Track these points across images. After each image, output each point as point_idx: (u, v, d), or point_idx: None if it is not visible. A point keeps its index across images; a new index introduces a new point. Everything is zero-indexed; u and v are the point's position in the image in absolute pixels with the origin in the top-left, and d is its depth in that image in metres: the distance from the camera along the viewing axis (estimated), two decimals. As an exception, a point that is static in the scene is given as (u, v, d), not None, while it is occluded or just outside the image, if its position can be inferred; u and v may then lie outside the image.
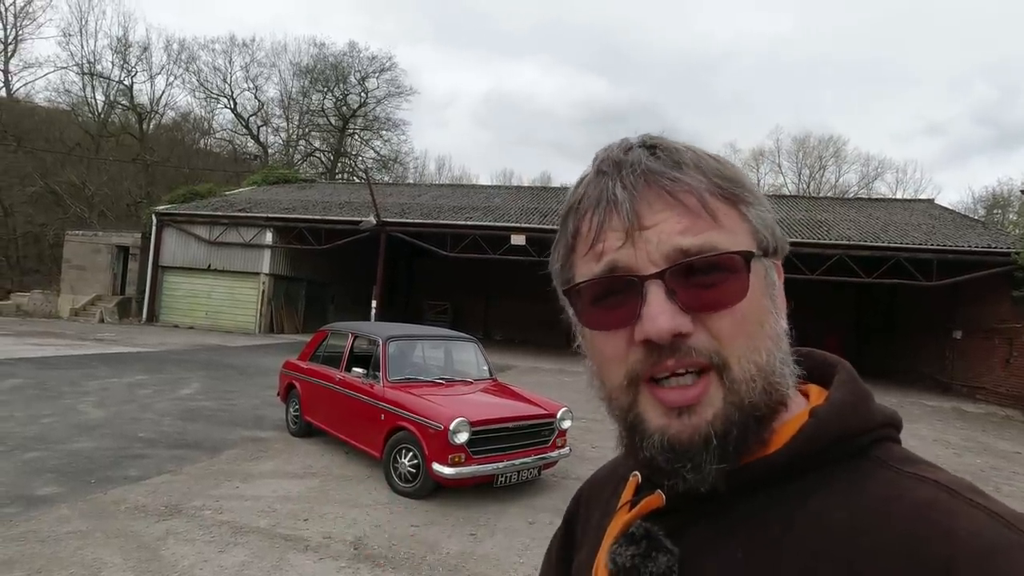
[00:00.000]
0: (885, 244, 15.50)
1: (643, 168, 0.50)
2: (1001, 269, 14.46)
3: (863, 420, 0.50)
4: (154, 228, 21.26)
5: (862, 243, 15.60)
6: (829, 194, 37.17)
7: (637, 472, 0.59)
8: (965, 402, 15.25)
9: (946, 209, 21.34)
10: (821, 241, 15.67)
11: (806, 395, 0.55)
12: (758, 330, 0.49)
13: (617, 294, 0.50)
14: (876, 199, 27.95)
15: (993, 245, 15.01)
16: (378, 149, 43.42)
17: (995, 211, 36.96)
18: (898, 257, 15.28)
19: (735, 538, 0.48)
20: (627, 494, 0.60)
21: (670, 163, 0.50)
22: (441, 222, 18.64)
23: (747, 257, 0.49)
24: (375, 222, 17.90)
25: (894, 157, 67.19)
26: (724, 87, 74.36)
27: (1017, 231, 18.33)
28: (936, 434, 10.43)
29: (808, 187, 43.57)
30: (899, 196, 37.61)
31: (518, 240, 17.04)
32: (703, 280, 0.48)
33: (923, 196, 34.08)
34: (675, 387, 0.48)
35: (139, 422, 7.09)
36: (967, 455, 8.80)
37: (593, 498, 0.71)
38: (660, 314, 0.47)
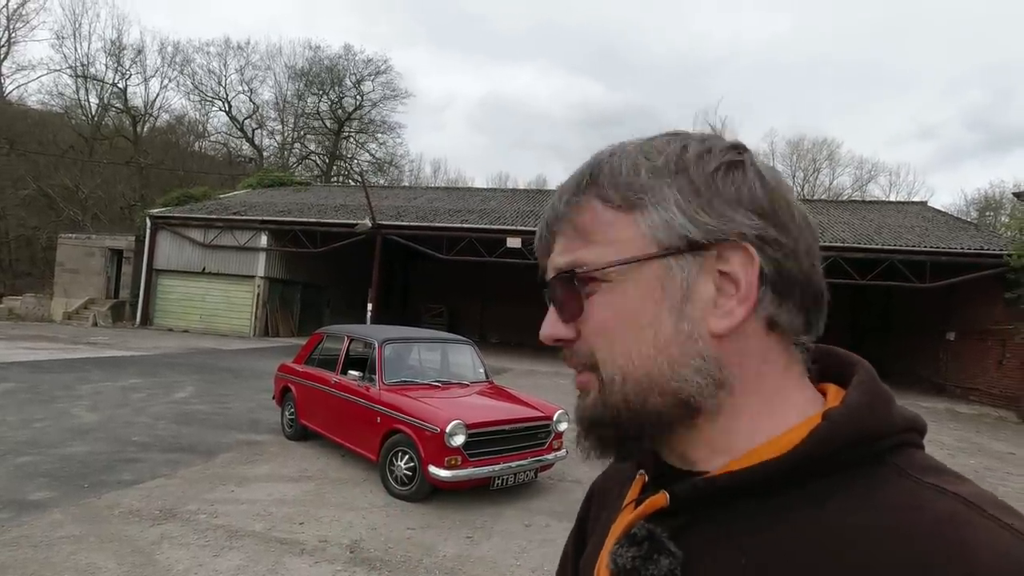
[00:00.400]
0: (879, 246, 15.59)
1: (560, 191, 0.57)
2: (994, 271, 14.55)
3: (880, 424, 0.48)
4: (148, 231, 21.17)
5: (856, 245, 15.68)
6: (823, 196, 37.37)
7: (644, 470, 0.59)
8: (959, 403, 15.33)
9: (939, 211, 21.48)
10: (815, 243, 15.73)
11: (824, 394, 0.54)
12: (627, 337, 0.51)
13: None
14: (870, 201, 28.11)
15: (986, 247, 15.10)
16: (373, 152, 43.47)
17: (987, 213, 37.26)
18: (892, 259, 15.37)
19: (740, 544, 0.47)
20: (632, 492, 0.59)
21: (576, 188, 0.55)
22: (437, 225, 18.63)
23: (603, 269, 0.52)
24: (371, 225, 17.87)
25: (887, 160, 68.14)
26: (720, 89, 74.69)
27: (1009, 233, 18.46)
28: (930, 435, 10.25)
29: (802, 189, 43.78)
30: (892, 199, 37.82)
31: (514, 243, 17.05)
32: (570, 293, 0.54)
33: (916, 199, 34.32)
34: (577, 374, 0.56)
35: (133, 426, 7.04)
36: (961, 456, 8.84)
37: (603, 495, 0.70)
38: (545, 322, 0.56)
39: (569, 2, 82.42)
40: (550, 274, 0.56)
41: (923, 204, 23.24)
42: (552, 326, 0.56)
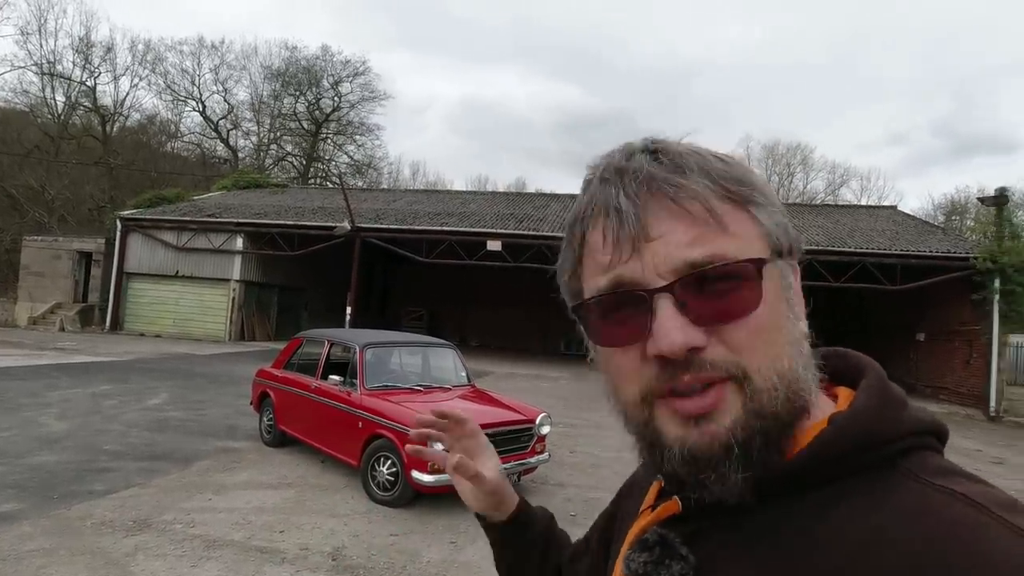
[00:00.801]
0: (852, 249, 15.95)
1: (645, 175, 0.48)
2: (961, 273, 15.01)
3: (890, 427, 0.48)
4: (119, 233, 20.65)
5: (830, 248, 16.03)
6: (797, 200, 38.08)
7: (660, 476, 0.58)
8: (929, 402, 15.75)
9: (908, 215, 22.08)
10: (790, 246, 16.03)
11: (835, 398, 0.54)
12: (777, 336, 0.47)
13: (626, 309, 0.48)
14: (842, 205, 28.79)
15: (953, 250, 15.57)
16: (352, 154, 43.05)
17: (954, 217, 38.43)
18: (864, 262, 15.74)
19: (751, 550, 0.47)
20: (649, 498, 0.59)
21: (673, 168, 0.48)
22: (416, 228, 18.53)
23: (759, 264, 0.47)
24: (350, 228, 17.70)
25: (859, 165, 69.58)
26: (695, 94, 75.87)
27: (975, 237, 19.08)
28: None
29: (778, 193, 44.17)
30: (864, 203, 38.82)
31: (494, 246, 17.04)
32: (714, 290, 0.46)
33: (886, 203, 35.20)
34: (691, 395, 0.46)
35: (105, 434, 6.84)
36: (932, 453, 9.08)
37: (628, 496, 0.70)
38: (672, 329, 0.45)
39: (547, 8, 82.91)
40: (669, 269, 0.46)
41: (893, 208, 23.85)
42: (685, 331, 0.45)
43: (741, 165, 0.51)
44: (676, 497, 0.52)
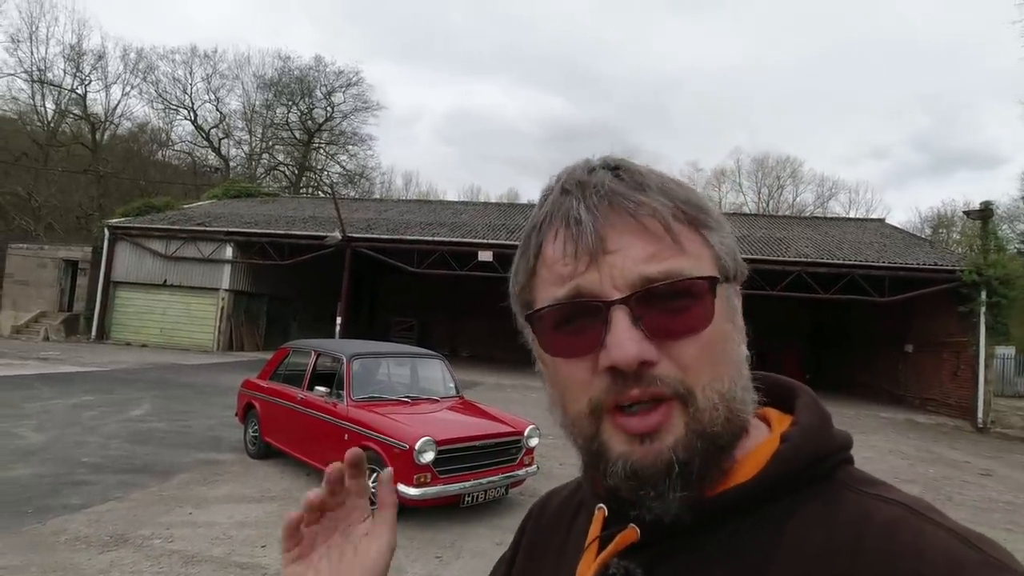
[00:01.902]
0: (841, 261, 16.07)
1: (607, 189, 0.49)
2: (948, 286, 15.15)
3: (829, 443, 0.51)
4: (106, 242, 20.42)
5: (819, 260, 16.14)
6: (787, 213, 38.47)
7: (603, 505, 0.55)
8: (917, 413, 15.82)
9: (896, 228, 22.32)
10: (780, 258, 16.15)
11: (765, 419, 0.55)
12: (722, 357, 0.49)
13: (580, 320, 0.48)
14: (831, 218, 29.06)
15: (940, 263, 15.73)
16: (344, 164, 43.00)
17: (940, 230, 38.91)
18: (853, 274, 15.85)
19: (714, 570, 0.48)
20: (595, 529, 0.56)
21: (634, 185, 0.49)
22: (408, 238, 18.47)
23: (712, 283, 0.48)
24: (340, 237, 17.61)
25: (846, 178, 70.31)
26: (683, 108, 76.69)
27: (961, 250, 19.30)
28: (891, 445, 10.75)
29: (767, 206, 45.05)
30: (852, 215, 39.24)
31: (485, 256, 17.01)
32: (669, 306, 0.47)
33: (874, 215, 35.63)
34: (637, 413, 0.47)
35: (83, 446, 6.69)
36: (920, 465, 9.09)
37: (547, 525, 0.67)
38: (627, 341, 0.46)
39: (534, 22, 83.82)
40: (625, 283, 0.47)
41: (881, 221, 24.12)
42: (640, 344, 0.46)
43: (695, 190, 0.53)
44: (633, 525, 0.51)
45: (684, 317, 0.47)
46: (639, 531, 0.51)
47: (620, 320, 0.46)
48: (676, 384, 0.46)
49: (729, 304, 0.51)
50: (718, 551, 0.48)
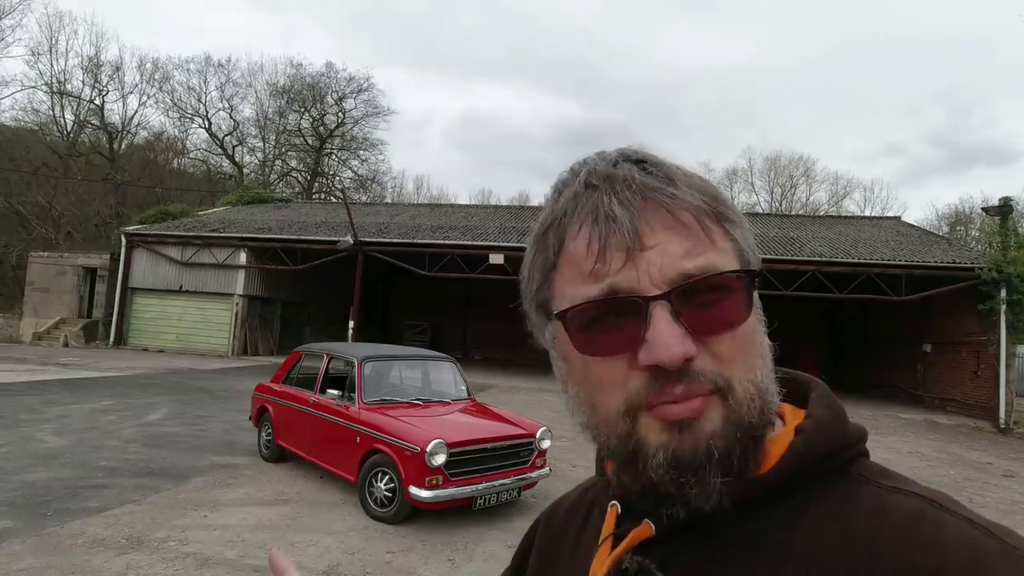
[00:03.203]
0: (856, 260, 15.85)
1: (639, 184, 0.48)
2: (966, 284, 14.88)
3: (844, 436, 0.51)
4: (123, 249, 20.75)
5: (834, 259, 15.93)
6: (801, 212, 38.00)
7: (616, 502, 0.55)
8: (937, 414, 15.55)
9: (912, 226, 21.98)
10: (795, 258, 15.97)
11: (779, 414, 0.54)
12: (754, 349, 0.49)
13: (616, 317, 0.47)
14: (846, 217, 28.70)
15: (958, 261, 15.45)
16: (356, 169, 43.33)
17: (958, 228, 38.22)
18: (869, 273, 15.63)
19: (730, 565, 0.47)
20: (608, 526, 0.55)
21: (664, 179, 0.48)
22: (419, 241, 18.55)
23: (750, 276, 0.49)
24: (352, 242, 17.73)
25: (861, 176, 69.39)
26: (691, 108, 76.27)
27: (980, 247, 18.97)
28: (910, 446, 10.57)
29: (780, 205, 44.58)
30: (867, 214, 38.70)
31: (496, 259, 17.03)
32: (707, 301, 0.46)
33: (890, 214, 35.10)
34: (677, 402, 0.46)
35: (101, 450, 6.79)
36: (941, 467, 8.93)
37: (557, 530, 0.66)
38: (671, 337, 0.45)
39: (544, 26, 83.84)
40: (663, 279, 0.46)
41: (897, 219, 23.78)
42: (684, 342, 0.45)
43: (712, 184, 0.52)
44: (648, 520, 0.50)
45: (722, 311, 0.47)
46: (654, 527, 0.50)
47: (661, 317, 0.45)
48: (716, 378, 0.46)
49: (754, 297, 0.51)
50: (734, 545, 0.47)
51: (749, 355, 0.48)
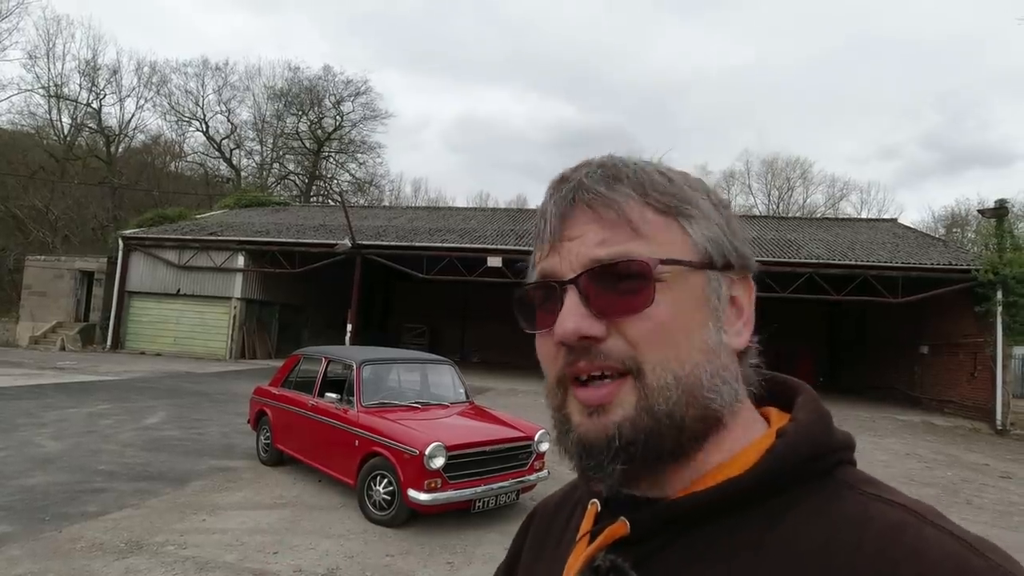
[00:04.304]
0: (853, 262, 15.90)
1: (575, 184, 0.53)
2: (963, 286, 14.93)
3: (828, 441, 0.51)
4: (121, 252, 20.70)
5: (831, 261, 15.97)
6: (798, 214, 38.13)
7: (596, 500, 0.56)
8: (934, 415, 15.58)
9: (909, 228, 22.05)
10: (792, 260, 16.01)
11: (766, 417, 0.56)
12: (681, 340, 0.50)
13: (547, 299, 0.52)
14: (843, 219, 28.79)
15: (954, 262, 15.50)
16: (353, 172, 43.27)
17: (954, 230, 38.34)
18: (866, 275, 15.67)
19: (705, 566, 0.47)
20: (587, 524, 0.57)
21: (603, 179, 0.52)
22: (417, 244, 18.55)
23: (656, 264, 0.50)
24: (350, 245, 17.73)
25: (857, 178, 69.59)
26: (689, 111, 76.45)
27: (976, 249, 19.03)
28: (907, 448, 10.59)
29: (778, 207, 44.69)
30: (864, 216, 38.83)
31: (495, 262, 17.03)
32: (616, 287, 0.49)
33: (887, 216, 35.22)
34: (589, 387, 0.50)
35: (99, 454, 6.78)
36: (938, 468, 8.95)
37: (544, 526, 0.68)
38: (567, 316, 0.49)
39: (541, 29, 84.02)
40: (579, 264, 0.51)
41: (893, 221, 23.85)
42: (579, 319, 0.49)
43: (685, 184, 0.54)
44: (623, 519, 0.51)
45: (629, 297, 0.49)
46: (629, 525, 0.51)
47: (569, 298, 0.50)
48: (626, 360, 0.49)
49: (708, 290, 0.52)
50: (710, 545, 0.48)
51: (669, 344, 0.49)
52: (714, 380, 0.50)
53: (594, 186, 0.52)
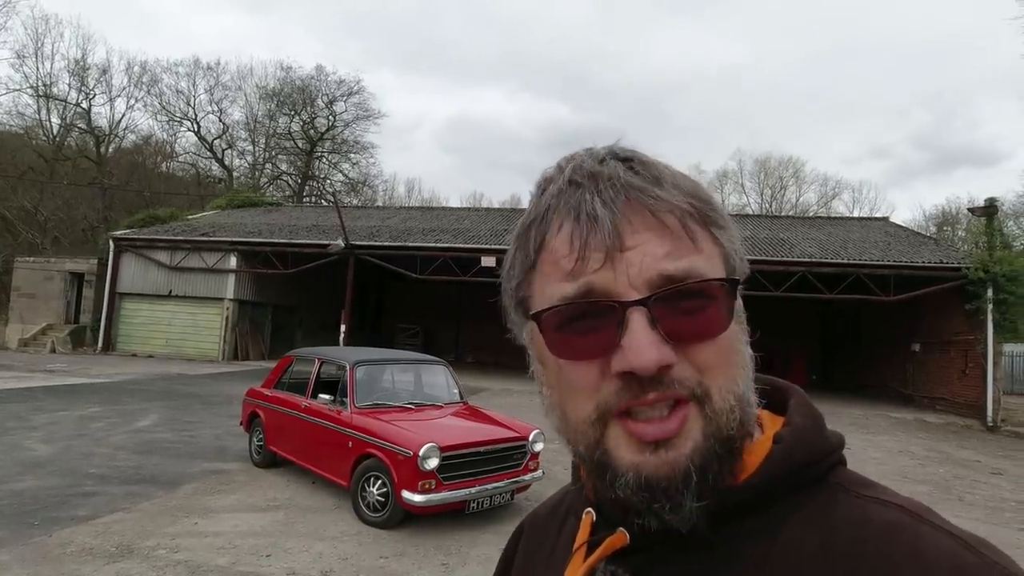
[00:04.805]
0: (845, 261, 15.99)
1: (623, 183, 0.46)
2: (954, 284, 15.05)
3: (823, 444, 0.50)
4: (111, 253, 20.54)
5: (824, 260, 16.05)
6: (790, 213, 38.33)
7: (591, 509, 0.54)
8: (927, 413, 15.69)
9: (900, 227, 22.18)
10: (785, 259, 16.08)
11: (758, 422, 0.53)
12: (736, 358, 0.47)
13: (591, 319, 0.45)
14: (835, 218, 28.93)
15: (945, 261, 15.62)
16: (346, 172, 43.16)
17: (945, 228, 38.67)
18: (858, 273, 15.76)
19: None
20: (583, 534, 0.55)
21: (650, 179, 0.47)
22: (411, 245, 18.50)
23: (732, 285, 0.47)
24: (344, 245, 17.66)
25: (849, 178, 70.08)
26: (683, 110, 76.69)
27: (966, 247, 19.19)
28: (900, 445, 10.66)
29: (770, 206, 44.93)
30: (856, 215, 39.09)
31: (488, 262, 17.01)
32: (687, 307, 0.44)
33: (878, 215, 35.46)
34: (652, 419, 0.44)
35: (90, 457, 6.71)
36: (931, 465, 9.01)
37: (536, 536, 0.66)
38: (647, 344, 0.43)
39: (534, 28, 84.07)
40: (642, 280, 0.44)
41: (885, 220, 23.98)
42: (659, 347, 0.43)
43: (703, 186, 0.51)
44: (622, 529, 0.49)
45: (703, 319, 0.45)
46: (628, 536, 0.49)
47: (638, 321, 0.44)
48: (694, 386, 0.44)
49: (739, 303, 0.50)
50: (711, 556, 0.46)
51: (730, 365, 0.46)
52: (753, 395, 0.49)
53: (649, 187, 0.46)
